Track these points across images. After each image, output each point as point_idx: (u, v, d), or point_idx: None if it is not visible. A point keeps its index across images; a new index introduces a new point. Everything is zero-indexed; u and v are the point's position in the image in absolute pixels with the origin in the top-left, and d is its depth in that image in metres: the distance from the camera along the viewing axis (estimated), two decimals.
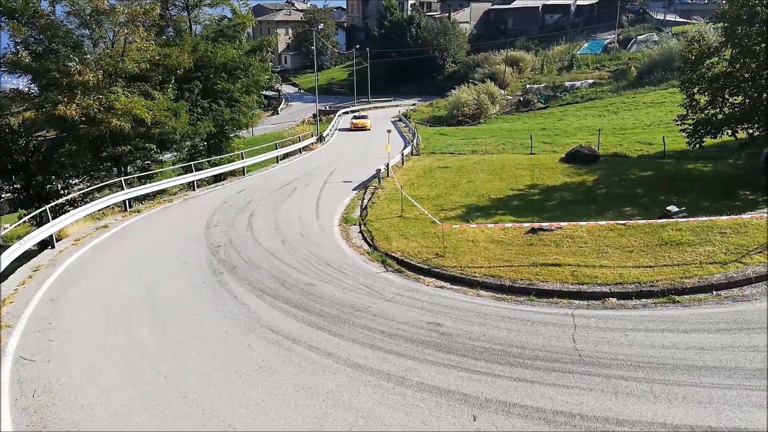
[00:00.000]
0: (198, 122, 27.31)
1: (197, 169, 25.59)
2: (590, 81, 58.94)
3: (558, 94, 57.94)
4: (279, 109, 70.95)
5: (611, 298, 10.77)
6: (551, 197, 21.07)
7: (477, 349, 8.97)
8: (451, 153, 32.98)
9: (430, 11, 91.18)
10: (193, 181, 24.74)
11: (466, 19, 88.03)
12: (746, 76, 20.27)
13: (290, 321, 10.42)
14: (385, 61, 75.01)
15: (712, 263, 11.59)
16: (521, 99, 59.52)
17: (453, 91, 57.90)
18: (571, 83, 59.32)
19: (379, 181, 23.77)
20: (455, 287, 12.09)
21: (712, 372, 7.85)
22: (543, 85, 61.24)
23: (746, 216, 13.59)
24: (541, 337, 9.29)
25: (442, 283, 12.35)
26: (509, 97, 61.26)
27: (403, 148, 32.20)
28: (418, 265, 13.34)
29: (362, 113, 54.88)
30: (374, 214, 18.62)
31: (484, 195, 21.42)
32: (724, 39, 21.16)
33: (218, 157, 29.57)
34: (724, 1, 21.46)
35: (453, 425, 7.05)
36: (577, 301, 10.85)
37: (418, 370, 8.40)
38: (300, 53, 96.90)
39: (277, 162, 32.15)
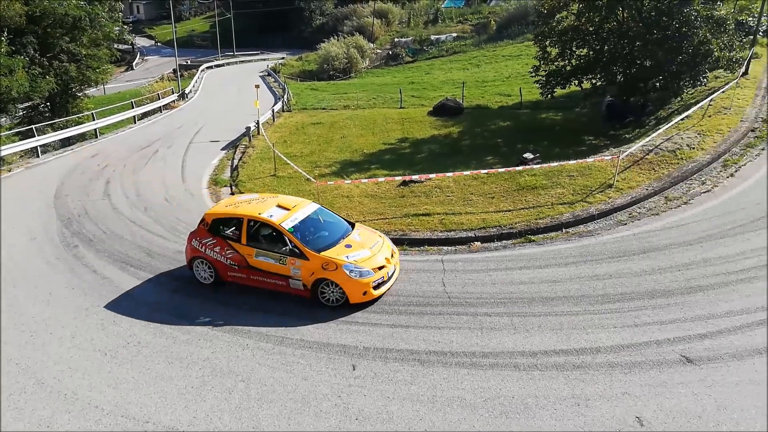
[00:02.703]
0: (38, 79, 24.18)
1: (40, 133, 22.84)
2: (454, 35, 60.57)
3: (425, 47, 58.99)
4: (134, 64, 64.77)
5: (476, 242, 11.51)
6: (421, 150, 21.72)
7: None
8: (323, 108, 32.57)
9: None
10: (36, 147, 22.09)
11: None
12: (590, 29, 21.96)
13: (160, 291, 9.91)
14: (250, 12, 71.29)
15: (561, 204, 12.78)
16: (390, 53, 59.86)
17: (322, 44, 56.68)
18: (436, 37, 60.59)
19: (250, 140, 22.91)
20: None
21: (563, 301, 8.77)
22: (410, 38, 61.99)
23: (590, 159, 15.04)
24: (414, 284, 9.73)
25: None
26: (378, 50, 61.36)
27: (274, 105, 31.18)
28: None
29: None
30: (246, 174, 18.00)
31: (358, 150, 21.53)
32: None
33: (65, 119, 26.59)
34: None
35: (333, 377, 7.22)
36: (445, 247, 11.47)
37: (298, 328, 8.45)
38: (154, 2, 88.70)
39: (135, 122, 29.65)
